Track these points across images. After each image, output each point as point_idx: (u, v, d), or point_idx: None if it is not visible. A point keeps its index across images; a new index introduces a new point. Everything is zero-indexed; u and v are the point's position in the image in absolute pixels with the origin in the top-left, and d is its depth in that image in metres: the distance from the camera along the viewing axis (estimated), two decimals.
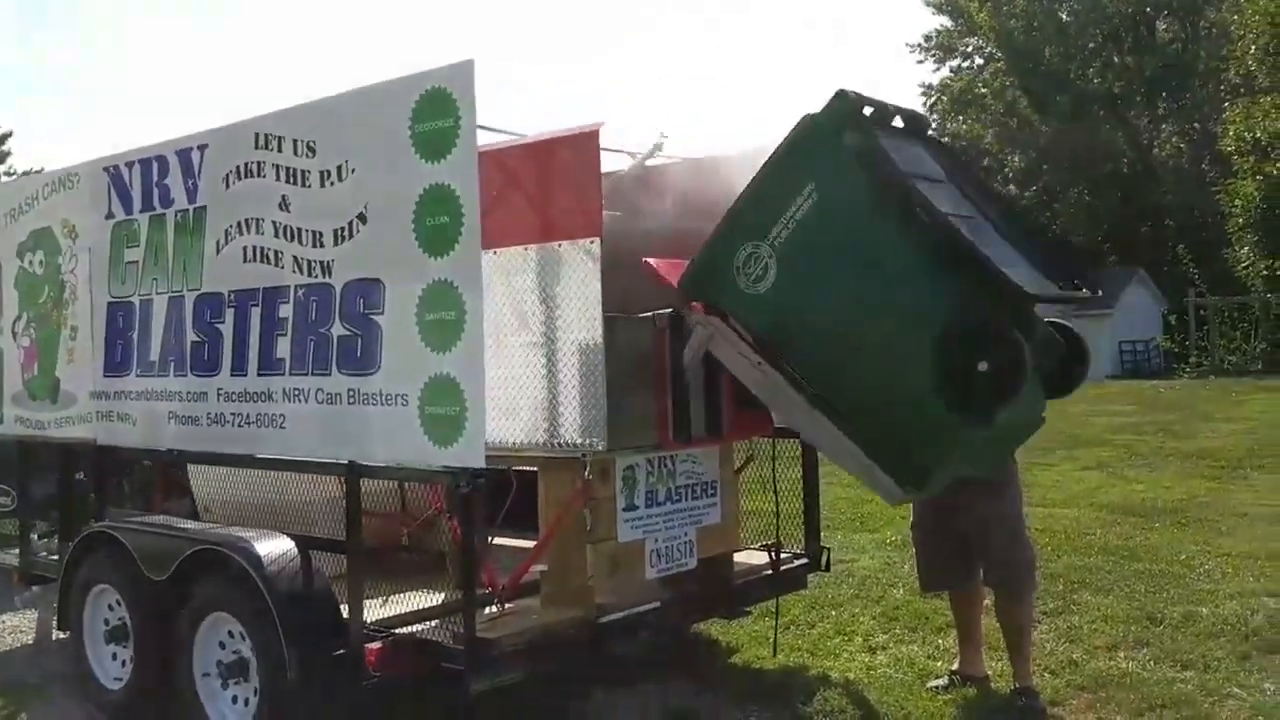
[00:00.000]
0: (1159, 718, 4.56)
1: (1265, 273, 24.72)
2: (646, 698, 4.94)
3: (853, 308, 4.11)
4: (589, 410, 4.28)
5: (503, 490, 4.62)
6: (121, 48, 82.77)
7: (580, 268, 4.30)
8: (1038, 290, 4.10)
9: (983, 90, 44.75)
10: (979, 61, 45.70)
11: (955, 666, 5.06)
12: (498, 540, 4.69)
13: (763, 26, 77.99)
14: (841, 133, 4.07)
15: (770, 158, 4.20)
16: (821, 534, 5.55)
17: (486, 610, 4.43)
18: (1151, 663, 5.19)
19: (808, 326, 4.22)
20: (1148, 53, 40.87)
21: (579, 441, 4.32)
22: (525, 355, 4.47)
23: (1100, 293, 4.42)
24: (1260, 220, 24.19)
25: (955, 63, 46.10)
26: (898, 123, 4.52)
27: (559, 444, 4.40)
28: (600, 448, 4.28)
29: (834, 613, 6.17)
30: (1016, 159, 43.87)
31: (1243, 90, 26.65)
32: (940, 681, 4.98)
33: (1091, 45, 41.51)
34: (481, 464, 3.88)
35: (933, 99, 46.29)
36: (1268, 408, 17.10)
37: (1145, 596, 6.31)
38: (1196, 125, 39.91)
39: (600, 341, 4.25)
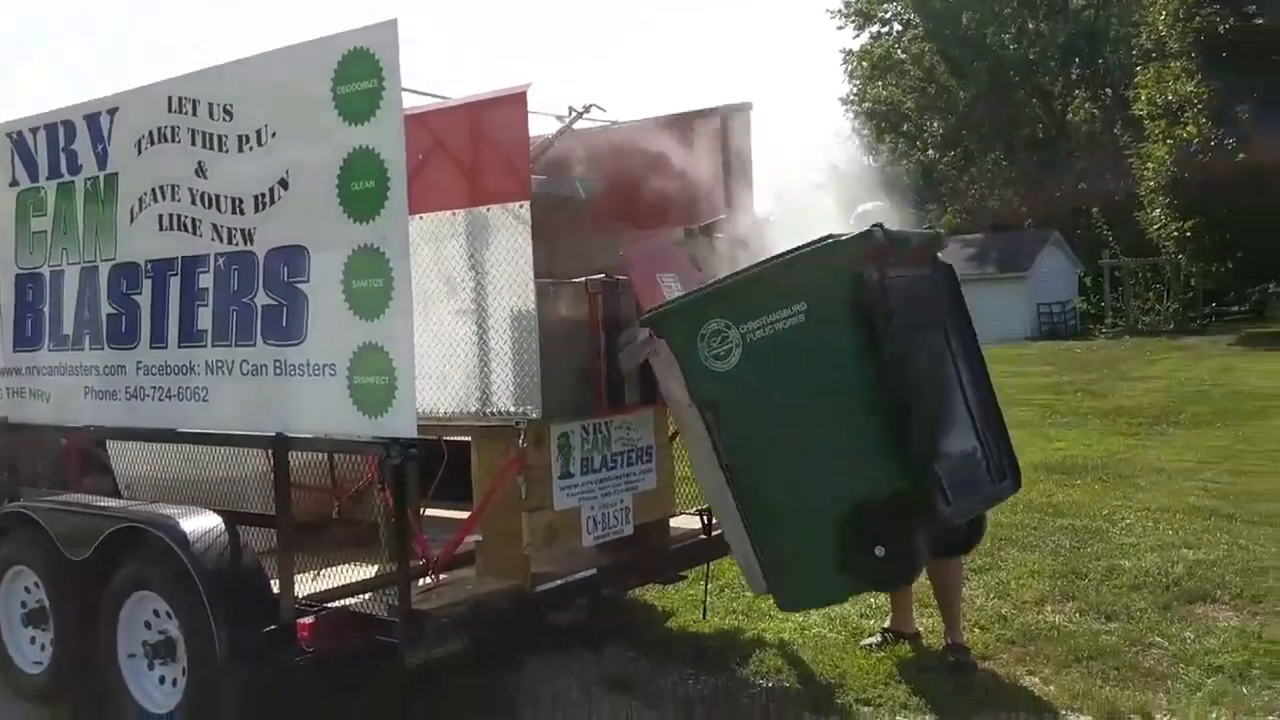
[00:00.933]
0: (1085, 669, 4.66)
1: (1176, 234, 25.35)
2: (583, 665, 4.92)
3: (797, 430, 4.00)
4: (522, 378, 4.22)
5: (434, 461, 4.57)
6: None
7: (510, 232, 4.22)
8: (956, 511, 4.08)
9: (902, 56, 45.20)
10: (898, 28, 46.10)
11: (887, 624, 5.12)
12: (431, 511, 4.63)
13: None
14: (854, 271, 3.90)
15: (781, 257, 4.06)
16: None
17: (421, 582, 4.37)
18: (1077, 615, 5.30)
19: (748, 420, 4.09)
20: (1061, 19, 41.61)
21: (513, 409, 4.26)
22: (456, 323, 4.39)
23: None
24: (1171, 183, 24.76)
25: (875, 29, 46.45)
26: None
27: (492, 412, 4.33)
28: (534, 415, 4.23)
29: None
30: (936, 124, 44.43)
31: (1154, 55, 27.17)
32: (873, 640, 5.04)
33: (1007, 11, 42.09)
34: (413, 434, 3.81)
35: (852, 65, 46.64)
36: (1180, 366, 17.61)
37: (1069, 552, 6.45)
38: (1109, 90, 40.78)
39: (532, 308, 4.18)
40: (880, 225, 3.96)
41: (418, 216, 4.23)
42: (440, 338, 4.40)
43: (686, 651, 5.05)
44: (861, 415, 3.87)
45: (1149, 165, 25.53)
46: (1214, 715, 4.15)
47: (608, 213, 5.37)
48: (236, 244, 4.23)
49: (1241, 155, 22.69)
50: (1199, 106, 24.23)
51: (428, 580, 4.37)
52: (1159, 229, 25.94)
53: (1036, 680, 4.56)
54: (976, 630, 5.14)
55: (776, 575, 4.14)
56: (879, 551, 3.84)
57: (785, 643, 5.13)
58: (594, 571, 4.76)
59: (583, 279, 4.49)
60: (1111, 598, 5.53)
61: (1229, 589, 5.57)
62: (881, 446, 3.87)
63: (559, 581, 4.59)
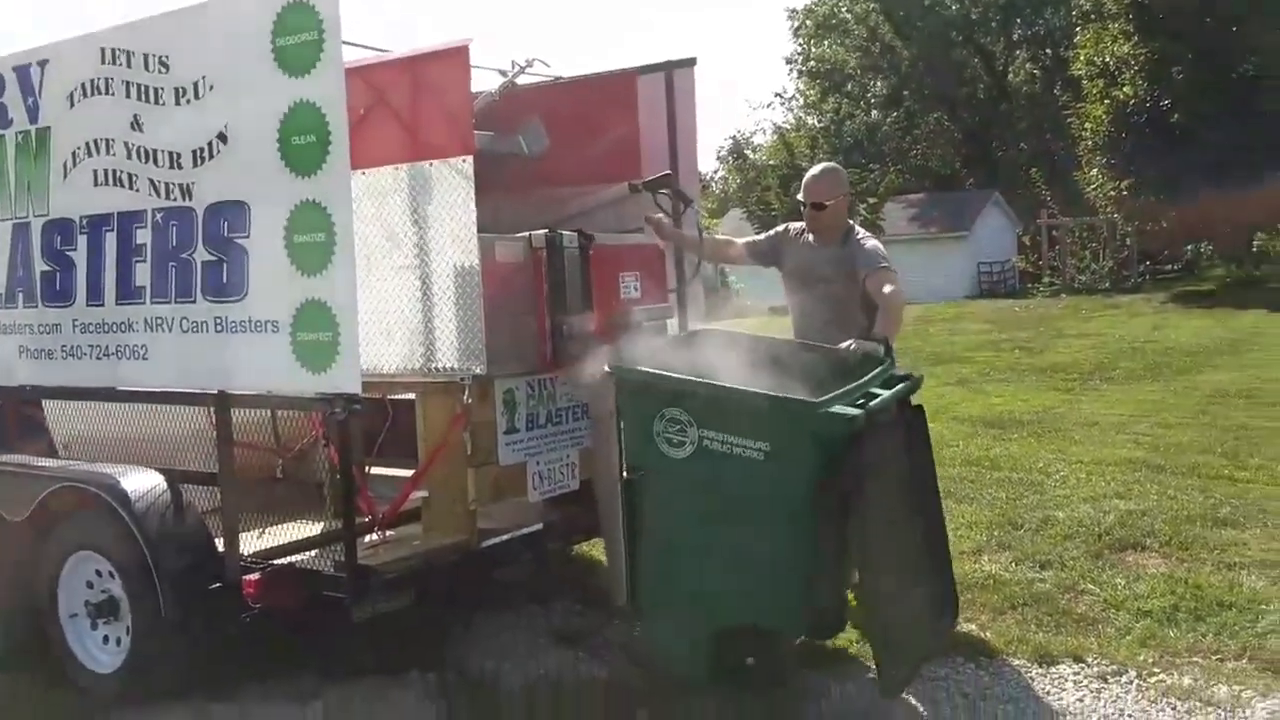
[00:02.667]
0: (1021, 615, 4.79)
1: (1113, 194, 25.75)
2: (530, 619, 4.97)
3: (719, 542, 3.92)
4: (466, 334, 4.22)
5: (379, 420, 4.56)
6: None
7: (453, 187, 4.20)
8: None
9: (846, 15, 45.21)
10: None
11: None
12: (376, 470, 4.63)
13: None
14: (827, 442, 3.75)
15: (757, 394, 3.87)
16: None
17: (367, 538, 4.38)
18: (1013, 564, 5.44)
19: (679, 503, 4.00)
20: None
21: (457, 366, 4.26)
22: (399, 279, 4.37)
23: None
24: (1108, 143, 25.12)
25: None
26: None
27: (437, 369, 4.33)
28: (479, 372, 4.23)
29: None
30: (879, 84, 44.57)
31: (1093, 16, 27.44)
32: None
33: None
34: (357, 389, 3.80)
35: (797, 23, 46.57)
36: (1114, 323, 17.96)
37: (1006, 503, 6.60)
38: (1049, 51, 41.16)
39: (476, 263, 4.18)
40: (863, 406, 3.79)
41: (360, 171, 4.20)
42: (383, 294, 4.38)
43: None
44: (784, 558, 3.85)
45: (1087, 125, 25.87)
46: (1141, 657, 4.29)
47: (553, 169, 5.36)
48: (175, 199, 4.17)
49: (1176, 116, 23.08)
50: (1135, 68, 24.56)
51: (374, 536, 4.38)
52: (1095, 188, 26.34)
53: (973, 627, 4.67)
54: None
55: (651, 637, 4.25)
56: (749, 660, 3.99)
57: None
58: (540, 526, 4.80)
59: (526, 234, 4.48)
60: (1046, 547, 5.68)
61: (1158, 537, 5.74)
62: (794, 588, 3.87)
63: (505, 536, 4.62)
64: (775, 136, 43.13)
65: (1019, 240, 37.77)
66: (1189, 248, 29.67)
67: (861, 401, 3.84)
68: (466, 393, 4.31)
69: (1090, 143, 25.84)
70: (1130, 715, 3.81)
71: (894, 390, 4.12)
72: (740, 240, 5.52)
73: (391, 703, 4.25)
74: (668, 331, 4.78)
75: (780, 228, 5.33)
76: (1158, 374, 12.39)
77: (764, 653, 3.97)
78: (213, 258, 4.10)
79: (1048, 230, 30.98)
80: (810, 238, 5.12)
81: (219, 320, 4.11)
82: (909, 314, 23.48)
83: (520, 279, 4.45)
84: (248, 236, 4.00)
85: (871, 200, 36.90)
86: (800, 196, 5.07)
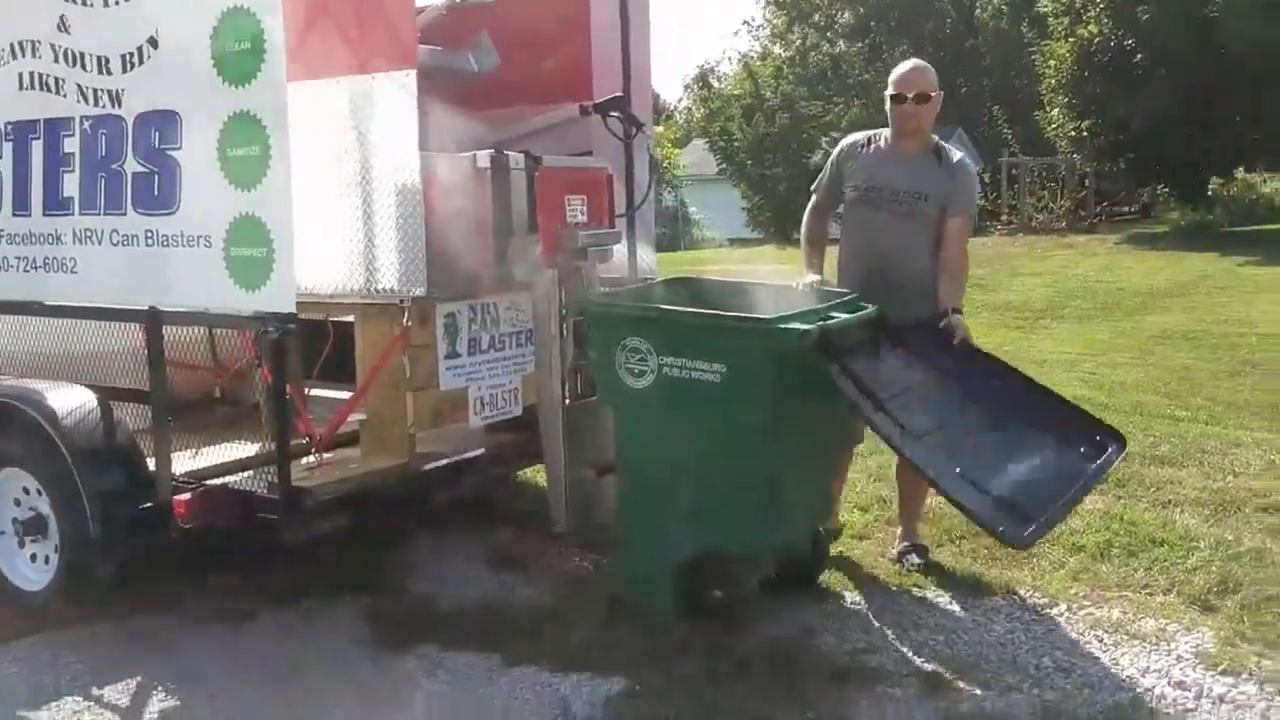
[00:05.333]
0: (958, 548, 4.83)
1: (1073, 133, 25.72)
2: (470, 544, 4.95)
3: (683, 469, 3.96)
4: (407, 255, 4.12)
5: (321, 341, 4.48)
6: None
7: (394, 103, 4.07)
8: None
9: None
10: None
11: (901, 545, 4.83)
12: (317, 392, 4.56)
13: None
14: (782, 360, 3.74)
15: (710, 315, 3.91)
16: None
17: (304, 460, 4.32)
18: None
19: (645, 432, 4.07)
20: None
21: (397, 287, 4.17)
22: (339, 196, 4.25)
23: None
24: (1071, 82, 25.03)
25: None
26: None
27: (376, 290, 4.24)
28: (419, 294, 4.15)
29: None
30: (846, 14, 44.06)
31: None
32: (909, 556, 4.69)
33: None
34: (292, 309, 3.72)
35: None
36: (1069, 263, 18.07)
37: None
38: None
39: (418, 182, 4.07)
40: (820, 326, 3.73)
41: (297, 84, 4.06)
42: (322, 212, 4.26)
43: (577, 531, 5.09)
44: (745, 482, 3.89)
45: (1050, 63, 25.75)
46: (1073, 590, 4.35)
47: (502, 88, 5.23)
48: (103, 107, 4.03)
49: (1139, 56, 23.02)
50: (1101, 5, 24.41)
51: (311, 459, 4.32)
52: (1056, 128, 26.29)
53: (912, 558, 4.71)
54: (856, 511, 5.29)
55: (623, 567, 4.32)
56: (716, 594, 4.06)
57: None
58: (482, 452, 4.76)
59: (471, 154, 4.37)
60: None
61: None
62: (756, 513, 3.95)
63: (445, 461, 4.58)
64: (741, 66, 42.67)
65: (979, 178, 37.57)
66: (1145, 190, 29.80)
67: (817, 321, 3.83)
68: (406, 315, 4.24)
69: (1053, 81, 25.73)
70: (1059, 648, 3.86)
71: (855, 315, 4.04)
72: (820, 202, 4.86)
73: (327, 624, 4.23)
74: (614, 257, 4.69)
75: (838, 148, 4.76)
76: (1108, 314, 12.49)
77: (730, 586, 4.01)
78: (144, 169, 3.97)
79: (1008, 169, 30.97)
80: (887, 145, 4.57)
81: (150, 234, 4.00)
82: None
83: (464, 200, 4.34)
84: (179, 148, 3.88)
85: (834, 134, 36.75)
86: (892, 90, 4.50)
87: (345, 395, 4.46)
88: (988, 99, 37.54)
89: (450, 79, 5.07)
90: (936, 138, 4.60)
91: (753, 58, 43.92)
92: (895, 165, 4.51)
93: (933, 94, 4.48)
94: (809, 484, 4.29)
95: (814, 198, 4.86)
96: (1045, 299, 13.72)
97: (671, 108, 56.20)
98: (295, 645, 4.04)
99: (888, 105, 4.52)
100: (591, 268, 4.54)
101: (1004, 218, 29.56)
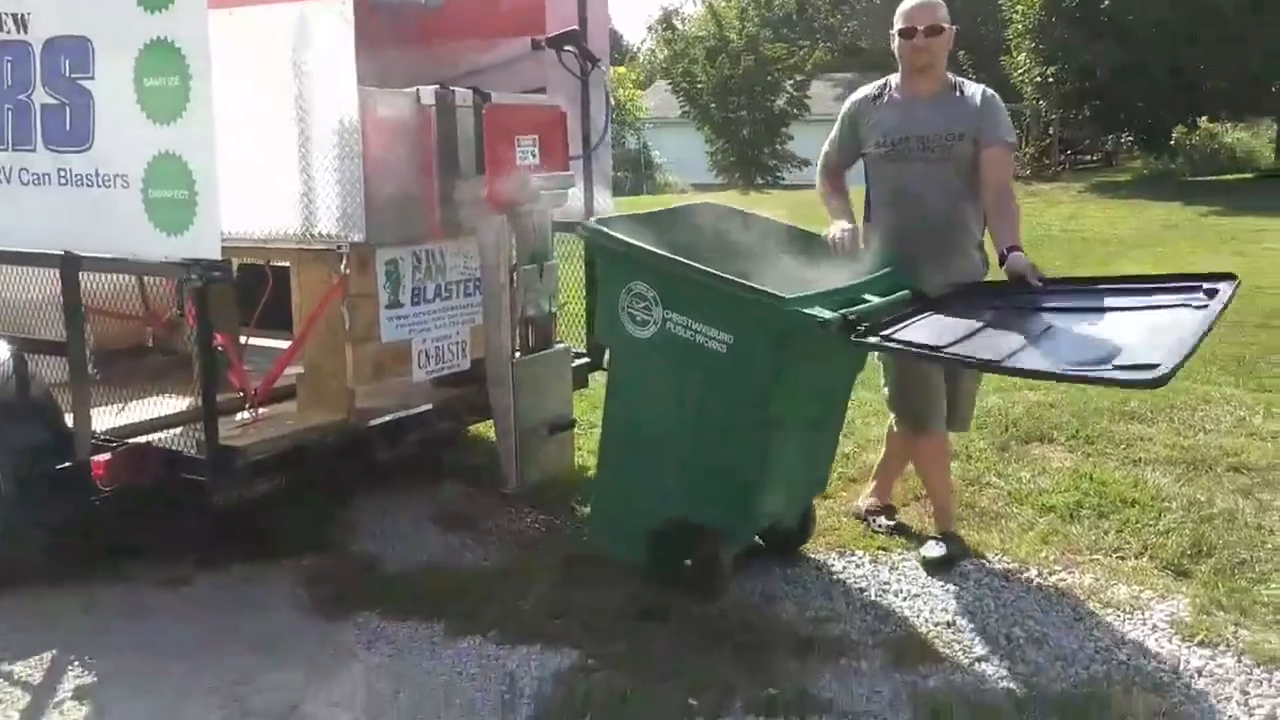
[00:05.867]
0: (924, 507, 4.66)
1: (1038, 79, 25.55)
2: (416, 503, 4.72)
3: (671, 425, 3.75)
4: (345, 197, 3.84)
5: (259, 286, 4.20)
6: None
7: (331, 33, 3.77)
8: None
9: None
10: None
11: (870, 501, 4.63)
12: (257, 341, 4.29)
13: None
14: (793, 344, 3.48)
15: (723, 279, 3.51)
16: None
17: (238, 416, 4.06)
18: None
19: (637, 383, 3.82)
20: None
21: (334, 233, 3.89)
22: (273, 135, 3.95)
23: None
24: (1038, 27, 24.80)
25: None
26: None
27: (313, 235, 3.96)
28: (358, 239, 3.87)
29: None
30: None
31: None
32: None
33: None
34: (216, 254, 3.43)
35: None
36: (1033, 211, 17.93)
37: None
38: None
39: (356, 119, 3.78)
40: (842, 315, 3.35)
41: (225, 10, 3.76)
42: (255, 151, 3.96)
43: (529, 489, 4.87)
44: (735, 459, 3.67)
45: (1019, 8, 25.48)
46: (1043, 554, 4.19)
47: (451, 22, 4.91)
48: (8, 32, 3.69)
49: (1106, 3, 22.79)
50: None
51: (245, 415, 4.06)
52: (1022, 74, 26.10)
53: (881, 519, 4.53)
54: None
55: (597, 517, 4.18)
56: (687, 563, 3.79)
57: None
58: (428, 407, 4.52)
59: (414, 89, 4.07)
60: (953, 439, 5.53)
61: (1065, 430, 5.66)
62: (741, 491, 3.74)
63: (389, 417, 4.34)
64: (705, 7, 42.00)
65: None
66: (1109, 138, 29.71)
67: (841, 304, 3.46)
68: (345, 262, 3.97)
69: (1020, 27, 25.48)
70: (1030, 616, 3.70)
71: (889, 298, 3.66)
72: (833, 164, 4.34)
73: (263, 590, 3.99)
74: (569, 202, 4.42)
75: (848, 104, 4.26)
76: (1075, 264, 12.36)
77: (705, 558, 3.78)
78: (54, 101, 3.65)
79: None
80: (900, 92, 4.12)
81: (63, 173, 3.69)
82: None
83: (406, 139, 4.05)
84: (92, 78, 3.56)
85: (799, 77, 36.32)
86: (900, 25, 4.06)
87: (287, 345, 4.20)
88: (954, 44, 37.05)
89: (398, 12, 4.76)
90: (953, 75, 4.17)
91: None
92: (917, 111, 4.04)
93: (945, 26, 4.04)
94: (806, 461, 4.06)
95: (823, 160, 4.35)
96: None
97: (635, 49, 55.37)
98: (226, 615, 3.80)
99: (895, 44, 4.09)
100: (544, 213, 4.27)
101: None
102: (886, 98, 4.14)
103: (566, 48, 4.73)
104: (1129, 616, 3.69)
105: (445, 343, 4.42)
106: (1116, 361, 3.08)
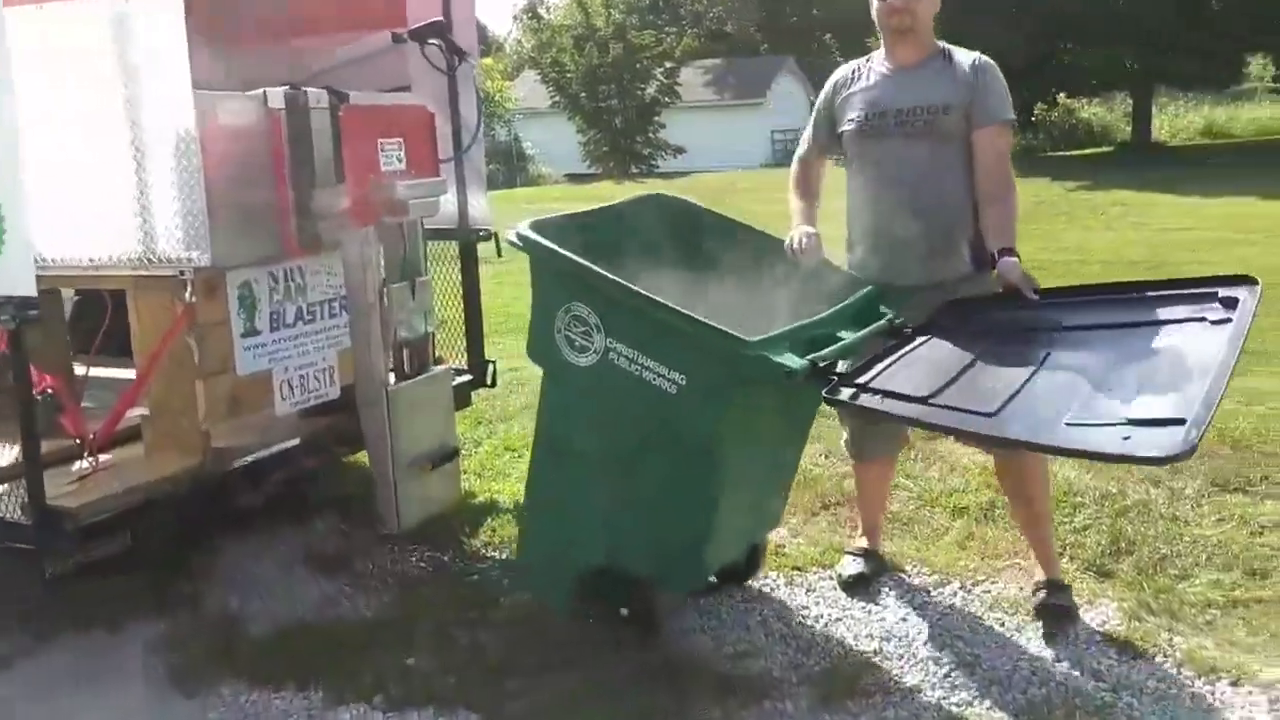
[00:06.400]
0: (834, 515, 4.47)
1: None
2: (285, 545, 4.28)
3: (609, 469, 3.28)
4: (185, 216, 3.40)
5: (98, 313, 3.74)
6: None
7: (160, 31, 3.33)
8: None
9: None
10: None
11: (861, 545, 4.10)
12: (101, 372, 3.83)
13: None
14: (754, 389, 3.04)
15: (676, 312, 2.97)
16: (486, 343, 4.98)
17: (75, 466, 3.58)
18: (822, 458, 5.06)
19: (574, 414, 3.32)
20: None
21: (176, 255, 3.44)
22: (98, 147, 3.48)
23: None
24: None
25: None
26: None
27: (151, 259, 3.50)
28: (204, 262, 3.43)
29: (502, 428, 5.69)
30: None
31: None
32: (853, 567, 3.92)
33: None
34: (31, 290, 2.96)
35: None
36: None
37: None
38: None
39: (192, 127, 3.34)
40: (812, 362, 2.91)
41: (33, 5, 3.28)
42: (81, 166, 3.50)
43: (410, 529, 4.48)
44: (681, 510, 3.22)
45: None
46: (963, 563, 3.99)
47: (304, 17, 4.47)
48: None
49: None
50: None
51: (84, 464, 3.59)
52: None
53: (784, 532, 4.27)
54: None
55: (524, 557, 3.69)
56: (623, 613, 3.36)
57: (519, 506, 4.64)
58: (296, 442, 4.09)
59: (260, 92, 3.64)
60: None
61: None
62: (684, 545, 3.29)
63: (251, 457, 3.90)
64: None
65: (812, 107, 37.83)
66: None
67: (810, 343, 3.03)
68: (190, 288, 3.52)
69: None
70: (959, 636, 3.47)
71: (865, 331, 3.22)
72: (807, 150, 3.89)
73: (112, 659, 3.52)
74: (440, 210, 4.02)
75: (827, 86, 3.79)
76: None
77: (641, 608, 3.34)
78: None
79: None
80: (882, 65, 3.64)
81: None
82: (712, 182, 23.28)
83: (254, 147, 3.63)
84: None
85: (668, 65, 36.23)
86: None
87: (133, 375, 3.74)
88: (818, 27, 37.54)
89: (242, 7, 4.30)
90: (944, 43, 3.63)
91: None
92: (897, 82, 3.56)
93: None
94: (758, 503, 3.64)
95: (799, 148, 3.93)
96: None
97: (501, 40, 54.63)
98: (66, 696, 3.33)
99: (873, 10, 3.59)
100: (414, 223, 3.88)
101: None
102: (868, 72, 3.67)
103: (431, 41, 4.33)
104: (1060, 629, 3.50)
105: (311, 370, 4.01)
106: (1130, 414, 2.58)
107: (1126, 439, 2.49)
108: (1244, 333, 2.86)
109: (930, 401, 2.80)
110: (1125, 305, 3.24)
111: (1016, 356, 3.03)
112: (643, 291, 3.02)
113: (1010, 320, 3.26)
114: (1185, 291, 3.19)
